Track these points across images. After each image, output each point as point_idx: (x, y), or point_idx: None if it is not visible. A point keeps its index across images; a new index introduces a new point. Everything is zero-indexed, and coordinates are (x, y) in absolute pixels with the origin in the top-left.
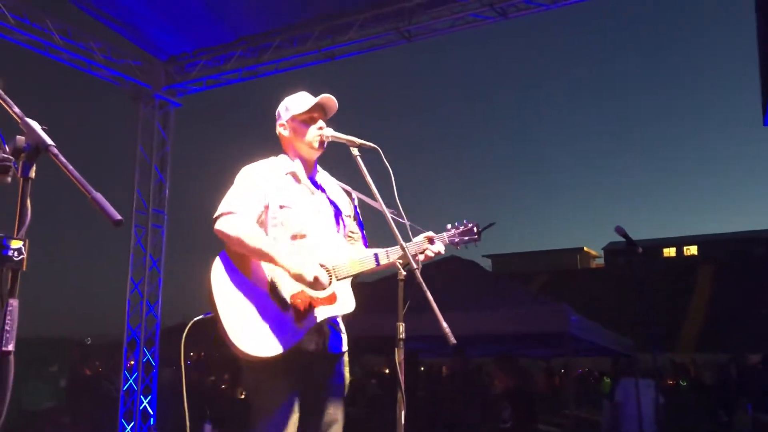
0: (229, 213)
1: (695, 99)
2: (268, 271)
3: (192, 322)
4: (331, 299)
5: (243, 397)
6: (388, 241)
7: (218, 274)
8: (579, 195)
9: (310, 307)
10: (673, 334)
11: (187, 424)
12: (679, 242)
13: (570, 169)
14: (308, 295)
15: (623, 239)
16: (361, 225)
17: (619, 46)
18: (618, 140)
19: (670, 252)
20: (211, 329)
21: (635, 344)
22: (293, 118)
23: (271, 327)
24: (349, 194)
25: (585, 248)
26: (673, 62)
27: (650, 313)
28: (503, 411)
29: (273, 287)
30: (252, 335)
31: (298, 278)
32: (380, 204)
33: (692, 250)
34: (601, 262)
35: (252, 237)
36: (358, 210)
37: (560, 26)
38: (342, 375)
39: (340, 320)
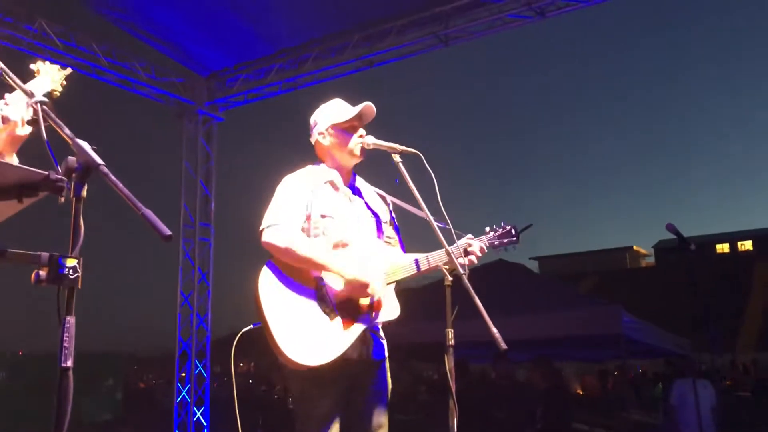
0: (275, 224)
1: (743, 91)
2: (316, 279)
3: (241, 332)
4: (377, 306)
5: (293, 407)
6: (424, 244)
7: (266, 283)
8: (626, 193)
9: (357, 315)
10: (730, 333)
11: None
12: (733, 237)
13: (616, 167)
14: (355, 302)
15: (674, 237)
16: (397, 230)
17: (674, 38)
18: (663, 136)
19: (723, 248)
20: (261, 339)
21: (691, 344)
22: (334, 127)
23: (319, 335)
24: (383, 199)
25: (634, 247)
26: (722, 56)
27: (705, 312)
28: (536, 411)
29: (321, 295)
30: (300, 344)
31: (354, 283)
32: (424, 210)
33: (747, 245)
34: (651, 260)
35: (302, 246)
36: (393, 215)
37: (615, 18)
38: (385, 381)
39: (380, 327)
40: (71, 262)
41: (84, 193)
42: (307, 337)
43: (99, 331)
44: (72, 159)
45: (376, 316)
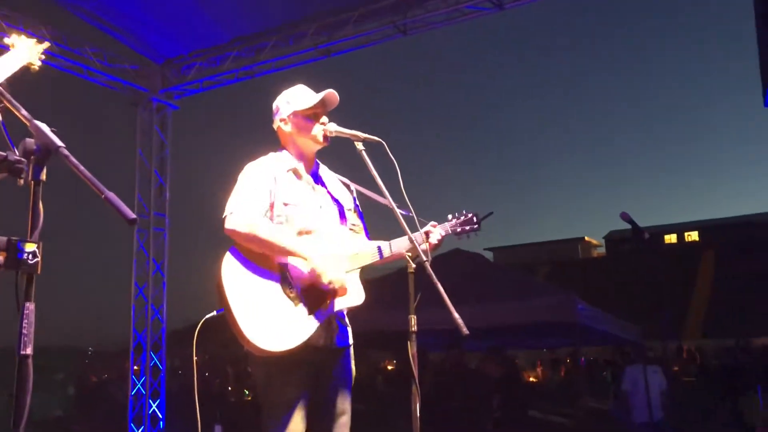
0: (237, 211)
1: (693, 82)
2: (281, 265)
3: (204, 319)
4: (342, 291)
5: (250, 398)
6: (388, 232)
7: (229, 269)
8: (577, 184)
9: (322, 300)
10: (678, 320)
11: (199, 425)
12: (680, 228)
13: (567, 159)
14: (320, 288)
15: (624, 227)
16: (361, 216)
17: (614, 31)
18: (614, 126)
19: (671, 239)
20: (219, 329)
21: (642, 332)
22: (296, 114)
23: (284, 321)
24: (347, 187)
25: (586, 237)
26: (670, 45)
27: (655, 300)
28: (493, 401)
29: (285, 281)
30: (265, 330)
31: (313, 271)
32: (387, 198)
33: (693, 236)
34: (602, 251)
35: (264, 231)
36: (357, 202)
37: (559, 6)
38: (349, 368)
39: (345, 313)
40: (30, 247)
41: (43, 176)
42: (271, 323)
43: (50, 325)
44: (30, 141)
45: (339, 303)
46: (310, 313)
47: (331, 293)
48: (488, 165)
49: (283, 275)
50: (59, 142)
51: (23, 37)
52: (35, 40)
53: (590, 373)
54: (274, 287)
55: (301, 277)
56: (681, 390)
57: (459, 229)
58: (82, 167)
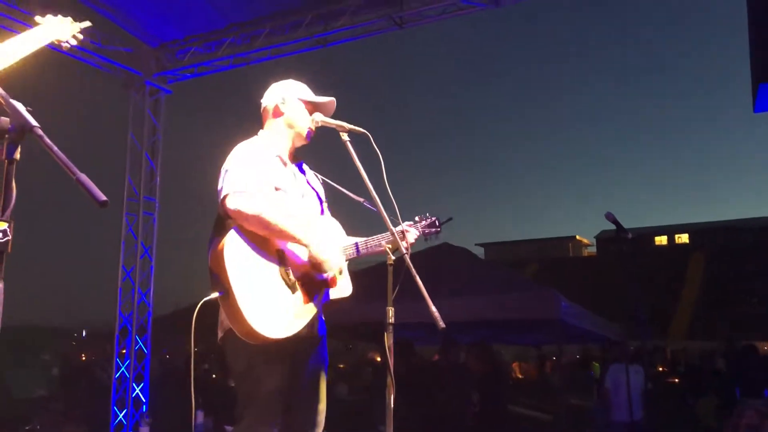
0: (242, 191)
1: (684, 87)
2: (279, 251)
3: (202, 301)
4: (333, 282)
5: (234, 385)
6: (357, 227)
7: (233, 249)
8: (571, 183)
9: (317, 290)
10: (664, 321)
11: (194, 408)
12: (671, 230)
13: (563, 158)
14: (316, 276)
15: (615, 227)
16: (329, 210)
17: (606, 34)
18: (609, 128)
19: (661, 240)
20: (208, 313)
21: (626, 331)
22: (297, 99)
23: (282, 308)
24: (318, 179)
25: (577, 236)
26: (662, 49)
27: (641, 300)
28: (472, 396)
29: (284, 267)
30: (265, 315)
31: (315, 259)
32: (370, 191)
33: (683, 238)
34: (593, 250)
35: (273, 215)
36: (327, 195)
37: (545, 13)
38: (325, 356)
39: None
40: (1, 226)
41: (17, 155)
42: (271, 309)
43: (37, 304)
44: (5, 119)
45: (331, 293)
46: (306, 302)
47: (327, 282)
48: (481, 162)
49: (281, 261)
50: (34, 122)
51: (59, 16)
52: (70, 18)
53: (574, 370)
54: (273, 273)
55: (299, 263)
56: (663, 391)
57: (426, 231)
58: (55, 148)
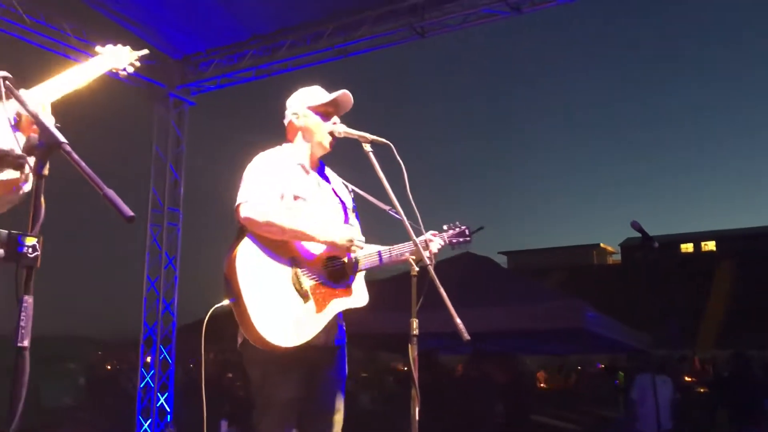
0: (251, 200)
1: (712, 94)
2: (291, 260)
3: (213, 309)
4: (348, 292)
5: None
6: (382, 235)
7: (245, 256)
8: (595, 191)
9: (330, 299)
10: (692, 330)
11: (204, 418)
12: (697, 237)
13: (587, 166)
14: (327, 287)
15: (640, 235)
16: (357, 218)
17: (637, 42)
18: (635, 136)
19: (687, 248)
20: (232, 322)
21: (653, 340)
22: (309, 109)
23: (293, 317)
24: (346, 187)
25: (601, 244)
26: (690, 59)
27: (668, 309)
28: (496, 406)
29: (296, 277)
30: (275, 323)
31: (330, 237)
32: (393, 201)
33: (710, 245)
34: (617, 258)
35: (282, 217)
36: (355, 203)
37: (579, 19)
38: (343, 367)
39: (342, 313)
40: (30, 241)
41: (46, 171)
42: (280, 317)
43: (64, 315)
44: (34, 136)
45: (345, 303)
46: (318, 311)
47: (337, 292)
48: (505, 169)
49: (294, 271)
50: (62, 138)
51: (119, 46)
52: (129, 47)
53: (599, 380)
54: (286, 282)
55: (313, 259)
56: (692, 401)
57: (454, 240)
58: (83, 164)
